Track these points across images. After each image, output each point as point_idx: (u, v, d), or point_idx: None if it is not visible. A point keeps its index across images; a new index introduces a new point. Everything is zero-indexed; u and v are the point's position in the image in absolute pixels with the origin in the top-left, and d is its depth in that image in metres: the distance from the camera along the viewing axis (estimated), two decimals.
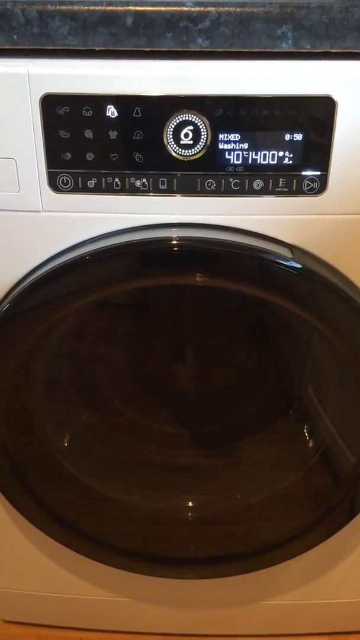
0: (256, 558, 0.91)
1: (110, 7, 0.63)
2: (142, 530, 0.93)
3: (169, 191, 0.70)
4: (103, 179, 0.69)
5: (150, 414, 0.99)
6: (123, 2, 0.63)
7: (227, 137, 0.67)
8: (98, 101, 0.66)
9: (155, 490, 0.94)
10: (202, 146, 0.68)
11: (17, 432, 0.84)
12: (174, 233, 0.71)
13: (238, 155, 0.68)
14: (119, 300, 0.89)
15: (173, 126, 0.67)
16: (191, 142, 0.68)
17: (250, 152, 0.68)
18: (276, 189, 0.69)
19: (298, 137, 0.67)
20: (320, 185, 0.69)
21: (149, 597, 1.00)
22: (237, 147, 0.68)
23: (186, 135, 0.67)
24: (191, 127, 0.67)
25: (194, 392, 1.02)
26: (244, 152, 0.68)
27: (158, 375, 1.00)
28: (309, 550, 0.90)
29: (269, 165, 0.68)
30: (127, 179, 0.69)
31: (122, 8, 0.63)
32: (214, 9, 0.63)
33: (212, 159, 0.68)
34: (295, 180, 0.69)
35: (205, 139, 0.67)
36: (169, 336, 0.98)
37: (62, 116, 0.66)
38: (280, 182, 0.69)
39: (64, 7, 0.63)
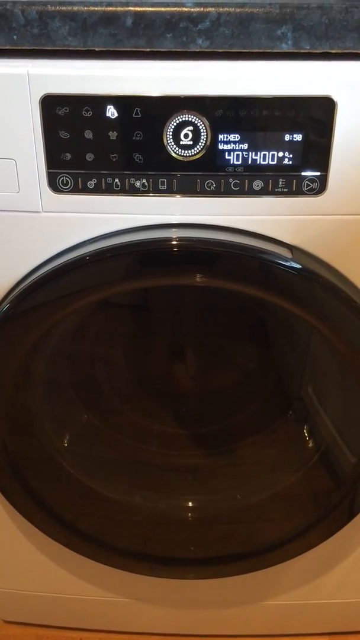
0: (256, 558, 0.91)
1: (110, 8, 0.63)
2: (142, 531, 0.93)
3: (169, 192, 0.70)
4: (103, 179, 0.69)
5: (150, 414, 0.99)
6: (123, 2, 0.63)
7: (226, 137, 0.67)
8: (98, 102, 0.66)
9: (155, 490, 0.94)
10: (201, 147, 0.68)
11: (17, 432, 0.84)
12: (173, 233, 0.71)
13: (238, 155, 0.68)
14: (119, 300, 0.89)
15: (173, 127, 0.67)
16: (191, 142, 0.68)
17: (250, 153, 0.68)
18: (276, 190, 0.69)
19: (298, 137, 0.67)
20: (320, 186, 0.69)
21: (149, 598, 1.00)
22: (237, 148, 0.68)
23: (186, 135, 0.67)
24: (191, 128, 0.67)
25: (194, 392, 1.02)
26: (244, 153, 0.68)
27: (158, 376, 1.00)
28: (309, 551, 0.90)
29: (268, 165, 0.68)
30: (127, 179, 0.69)
31: (122, 9, 0.63)
32: (213, 9, 0.63)
33: (212, 160, 0.68)
34: (295, 181, 0.69)
35: (205, 139, 0.67)
36: (169, 337, 0.98)
37: (62, 117, 0.66)
38: (280, 183, 0.69)
39: (63, 8, 0.63)
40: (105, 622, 1.04)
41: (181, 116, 0.66)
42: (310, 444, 0.92)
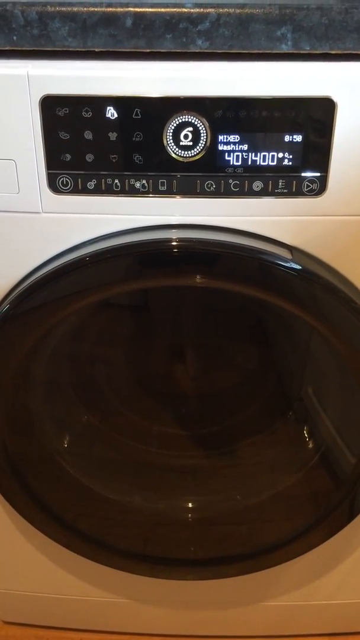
0: (256, 559, 0.91)
1: (110, 9, 0.63)
2: (142, 532, 0.93)
3: (169, 192, 0.70)
4: (103, 180, 0.69)
5: (150, 415, 0.99)
6: (123, 3, 0.63)
7: (226, 138, 0.67)
8: (98, 102, 0.66)
9: (155, 491, 0.94)
10: (201, 147, 0.68)
11: (17, 433, 0.84)
12: (173, 234, 0.71)
13: (238, 156, 0.68)
14: (119, 301, 0.89)
15: (173, 127, 0.67)
16: (191, 143, 0.68)
17: (250, 154, 0.68)
18: (276, 190, 0.69)
19: (298, 138, 0.67)
20: (319, 187, 0.69)
21: (149, 598, 1.00)
22: (237, 149, 0.68)
23: (186, 136, 0.67)
24: (191, 129, 0.67)
25: (194, 393, 1.02)
26: (244, 154, 0.68)
27: (158, 376, 1.00)
28: (309, 551, 0.90)
29: (268, 166, 0.68)
30: (126, 180, 0.69)
31: (121, 9, 0.63)
32: (213, 10, 0.63)
33: (212, 160, 0.68)
34: (294, 182, 0.69)
35: (204, 140, 0.67)
36: (169, 337, 0.98)
37: (62, 117, 0.66)
38: (280, 184, 0.69)
39: (63, 9, 0.63)
40: (105, 623, 1.04)
41: (181, 117, 0.66)
42: (310, 445, 0.92)
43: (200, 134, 0.67)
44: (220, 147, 0.68)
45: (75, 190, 0.70)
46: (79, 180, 0.69)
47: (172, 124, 0.67)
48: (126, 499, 0.92)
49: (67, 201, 0.70)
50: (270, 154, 0.68)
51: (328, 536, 0.88)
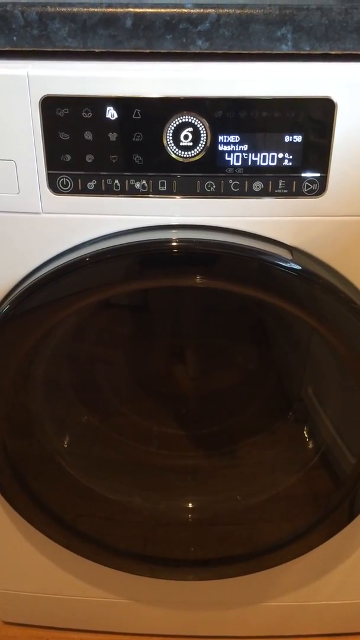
0: (256, 559, 0.91)
1: (110, 9, 0.63)
2: (142, 532, 0.93)
3: (169, 193, 0.70)
4: (103, 180, 0.69)
5: (151, 415, 0.99)
6: (123, 3, 0.63)
7: (226, 138, 0.67)
8: (98, 103, 0.66)
9: (155, 491, 0.94)
10: (201, 148, 0.68)
11: (17, 433, 0.84)
12: (173, 235, 0.71)
13: (238, 156, 0.68)
14: (119, 301, 0.89)
15: (173, 128, 0.67)
16: (191, 143, 0.68)
17: (250, 154, 0.68)
18: (276, 191, 0.69)
19: (298, 138, 0.67)
20: (319, 187, 0.69)
21: (149, 599, 1.00)
22: (237, 149, 0.68)
23: (186, 137, 0.67)
24: (191, 129, 0.67)
25: (194, 393, 1.02)
26: (244, 154, 0.68)
27: (158, 377, 1.00)
28: (309, 552, 0.90)
29: (268, 166, 0.68)
30: (126, 180, 0.69)
31: (121, 10, 0.63)
32: (213, 10, 0.63)
33: (212, 161, 0.68)
34: (294, 182, 0.69)
35: (204, 140, 0.67)
36: (169, 337, 0.98)
37: (62, 118, 0.66)
38: (280, 184, 0.69)
39: (63, 9, 0.63)
40: (105, 623, 1.04)
41: (181, 117, 0.66)
42: (310, 445, 0.91)
43: (200, 134, 0.67)
44: (220, 148, 0.68)
45: (76, 191, 0.70)
46: (79, 180, 0.69)
47: (172, 124, 0.67)
48: (126, 499, 0.92)
49: (67, 201, 0.70)
50: (270, 154, 0.68)
51: (328, 536, 0.88)
